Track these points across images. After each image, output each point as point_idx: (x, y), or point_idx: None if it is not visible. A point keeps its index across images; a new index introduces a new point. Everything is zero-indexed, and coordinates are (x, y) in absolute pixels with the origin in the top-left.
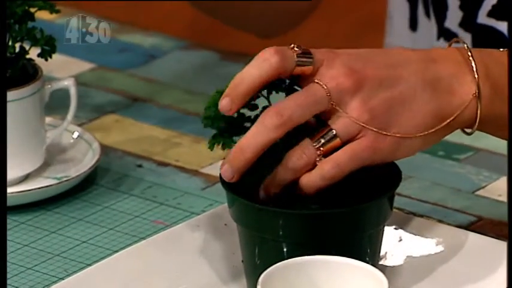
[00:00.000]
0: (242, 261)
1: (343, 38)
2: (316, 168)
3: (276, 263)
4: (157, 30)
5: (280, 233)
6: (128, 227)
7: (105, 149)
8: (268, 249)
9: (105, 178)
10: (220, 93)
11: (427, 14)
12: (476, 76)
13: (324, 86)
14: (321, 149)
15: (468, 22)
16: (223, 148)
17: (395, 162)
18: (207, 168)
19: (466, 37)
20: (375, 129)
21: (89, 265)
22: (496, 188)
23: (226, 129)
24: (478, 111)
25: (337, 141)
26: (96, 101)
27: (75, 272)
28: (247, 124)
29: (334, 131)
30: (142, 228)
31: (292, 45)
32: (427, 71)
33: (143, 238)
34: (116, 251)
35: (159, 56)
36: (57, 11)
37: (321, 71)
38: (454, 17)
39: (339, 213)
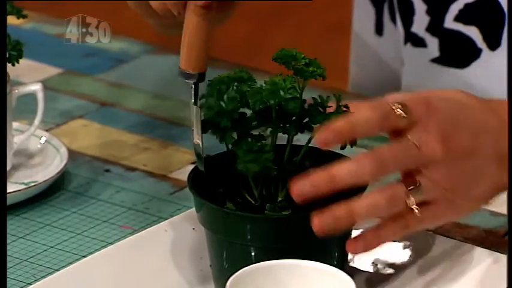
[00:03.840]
0: (210, 265)
1: (312, 42)
2: (402, 226)
3: (244, 267)
4: (124, 34)
5: (248, 237)
6: (95, 232)
7: (72, 154)
8: (236, 253)
9: (72, 183)
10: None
11: (393, 19)
12: None
13: (418, 146)
14: (413, 207)
15: (435, 27)
16: (221, 141)
17: None
18: (176, 172)
19: (433, 42)
20: (449, 204)
21: (57, 270)
22: None
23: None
24: None
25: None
26: (64, 106)
27: (43, 277)
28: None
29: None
30: (110, 233)
31: (395, 106)
32: (498, 144)
33: (111, 243)
34: (84, 256)
35: (127, 60)
36: (25, 16)
37: (416, 130)
38: (421, 22)
39: (307, 217)
